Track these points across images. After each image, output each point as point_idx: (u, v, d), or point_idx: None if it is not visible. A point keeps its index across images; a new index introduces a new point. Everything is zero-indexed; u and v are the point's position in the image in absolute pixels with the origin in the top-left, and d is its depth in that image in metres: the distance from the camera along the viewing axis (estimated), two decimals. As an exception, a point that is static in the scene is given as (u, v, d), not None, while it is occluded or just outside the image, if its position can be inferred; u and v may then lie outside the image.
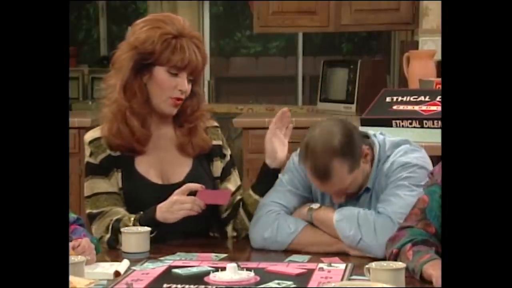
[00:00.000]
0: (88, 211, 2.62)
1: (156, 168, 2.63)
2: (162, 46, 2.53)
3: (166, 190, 2.55)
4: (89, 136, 2.65)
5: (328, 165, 2.40)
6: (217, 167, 2.71)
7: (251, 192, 2.66)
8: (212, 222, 2.71)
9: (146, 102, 2.59)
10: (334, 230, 2.45)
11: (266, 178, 2.64)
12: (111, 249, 2.54)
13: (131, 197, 2.60)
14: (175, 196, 2.50)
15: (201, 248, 2.48)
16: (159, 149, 2.65)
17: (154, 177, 2.62)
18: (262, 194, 2.63)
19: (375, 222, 2.39)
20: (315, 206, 2.52)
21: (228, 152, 2.76)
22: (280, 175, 2.64)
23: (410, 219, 2.29)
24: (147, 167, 2.62)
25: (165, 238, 2.53)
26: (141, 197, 2.58)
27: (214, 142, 2.72)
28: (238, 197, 2.71)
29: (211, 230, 2.73)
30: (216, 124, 2.77)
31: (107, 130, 2.60)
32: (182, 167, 2.65)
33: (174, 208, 2.48)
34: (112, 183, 2.61)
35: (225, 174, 2.72)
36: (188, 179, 2.61)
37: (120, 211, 2.58)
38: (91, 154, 2.62)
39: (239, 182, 2.74)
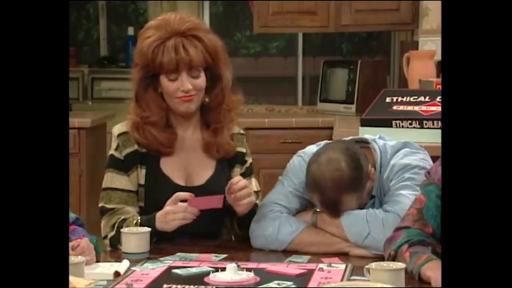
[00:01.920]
0: (101, 204, 2.63)
1: (181, 169, 2.64)
2: (153, 55, 2.55)
3: (187, 192, 2.54)
4: (117, 129, 2.66)
5: (338, 200, 2.42)
6: (237, 173, 2.71)
7: (236, 228, 2.65)
8: (225, 223, 2.70)
9: (164, 109, 2.61)
10: (340, 227, 2.44)
11: (244, 217, 2.59)
12: (113, 248, 2.55)
13: (152, 195, 2.61)
14: (167, 207, 2.49)
15: (201, 249, 2.48)
16: (185, 151, 2.66)
17: (177, 178, 2.63)
18: (245, 227, 2.59)
19: (383, 218, 2.40)
20: (319, 209, 2.52)
21: (249, 160, 2.76)
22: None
23: (406, 220, 2.28)
24: (172, 168, 2.63)
25: (174, 239, 2.54)
26: (162, 197, 2.55)
27: (239, 149, 2.72)
28: (257, 202, 2.66)
29: (219, 233, 2.71)
30: (242, 131, 2.78)
31: (135, 131, 2.62)
32: (206, 170, 2.66)
33: (168, 218, 2.47)
34: (131, 180, 2.61)
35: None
36: (209, 182, 2.62)
37: (130, 211, 2.59)
38: (117, 147, 2.63)
39: (255, 189, 2.70)
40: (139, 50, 2.59)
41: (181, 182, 2.63)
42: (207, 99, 2.65)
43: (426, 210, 2.25)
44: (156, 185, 2.61)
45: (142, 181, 2.62)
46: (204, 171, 2.66)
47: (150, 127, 2.60)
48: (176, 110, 2.62)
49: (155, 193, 2.60)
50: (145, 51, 2.56)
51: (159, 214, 2.50)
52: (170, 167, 2.64)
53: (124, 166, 2.62)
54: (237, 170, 2.72)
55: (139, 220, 2.53)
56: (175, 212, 2.47)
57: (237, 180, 2.52)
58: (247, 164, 2.75)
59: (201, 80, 2.60)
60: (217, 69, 2.63)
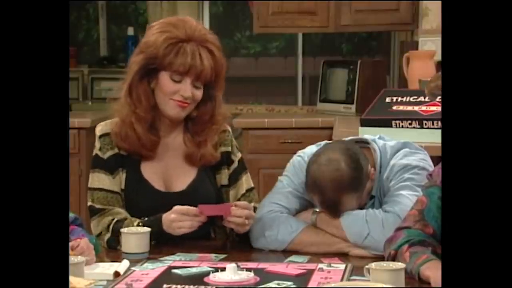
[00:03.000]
0: (90, 204, 2.62)
1: (161, 174, 2.63)
2: (166, 51, 2.52)
3: (167, 198, 2.54)
4: (100, 129, 2.65)
5: (338, 200, 2.42)
6: (225, 175, 2.69)
7: (234, 235, 2.62)
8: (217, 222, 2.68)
9: (152, 107, 2.58)
10: (340, 228, 2.45)
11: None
12: (110, 249, 2.54)
13: (131, 200, 2.60)
14: (172, 215, 2.47)
15: (201, 249, 2.48)
16: (166, 156, 2.64)
17: (157, 184, 2.61)
18: (244, 236, 2.57)
19: (383, 219, 2.40)
20: (319, 209, 2.52)
21: (236, 158, 2.71)
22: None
23: (408, 220, 2.29)
24: (152, 173, 2.62)
25: (173, 240, 2.53)
26: (142, 202, 2.57)
27: (223, 149, 2.69)
28: (253, 204, 2.64)
29: (211, 233, 2.71)
30: (227, 127, 2.73)
31: (116, 134, 2.60)
32: (186, 176, 2.64)
33: (174, 225, 2.46)
34: (116, 182, 2.61)
35: (233, 180, 2.69)
36: (191, 188, 2.61)
37: (122, 212, 2.58)
38: (100, 148, 2.63)
39: (245, 187, 2.70)
40: (152, 41, 2.54)
41: (161, 188, 2.61)
42: (194, 113, 2.62)
43: (427, 211, 2.25)
44: (136, 190, 2.60)
45: (123, 186, 2.61)
46: (185, 177, 2.64)
47: (137, 123, 2.57)
48: (165, 112, 2.59)
49: (135, 198, 2.60)
50: (159, 45, 2.52)
51: (164, 218, 2.48)
52: (150, 172, 2.62)
53: (108, 167, 2.61)
54: (225, 172, 2.69)
55: (138, 223, 2.52)
56: (181, 220, 2.45)
57: (245, 206, 2.49)
58: (235, 164, 2.70)
59: (200, 93, 2.58)
60: (213, 89, 2.62)
